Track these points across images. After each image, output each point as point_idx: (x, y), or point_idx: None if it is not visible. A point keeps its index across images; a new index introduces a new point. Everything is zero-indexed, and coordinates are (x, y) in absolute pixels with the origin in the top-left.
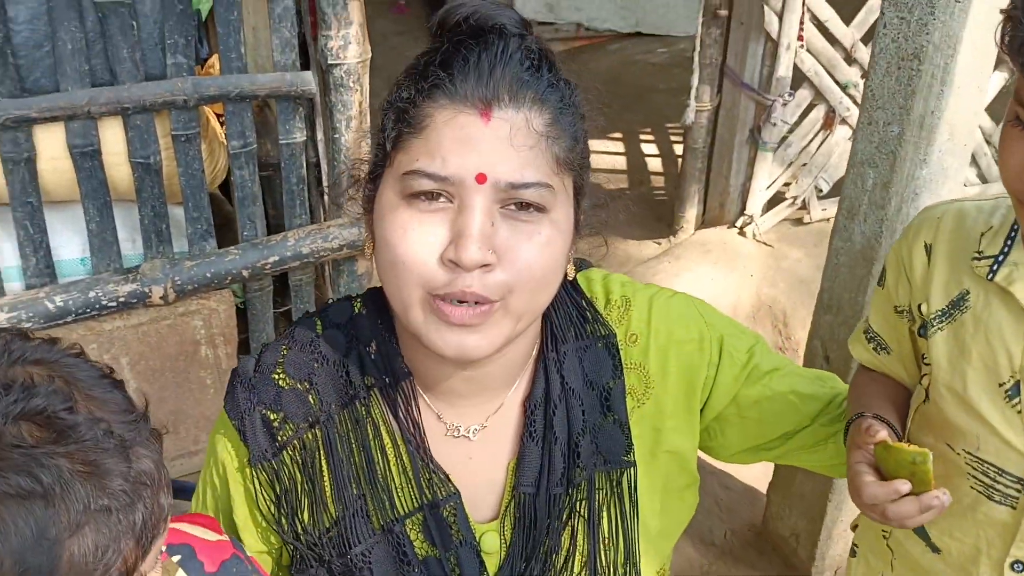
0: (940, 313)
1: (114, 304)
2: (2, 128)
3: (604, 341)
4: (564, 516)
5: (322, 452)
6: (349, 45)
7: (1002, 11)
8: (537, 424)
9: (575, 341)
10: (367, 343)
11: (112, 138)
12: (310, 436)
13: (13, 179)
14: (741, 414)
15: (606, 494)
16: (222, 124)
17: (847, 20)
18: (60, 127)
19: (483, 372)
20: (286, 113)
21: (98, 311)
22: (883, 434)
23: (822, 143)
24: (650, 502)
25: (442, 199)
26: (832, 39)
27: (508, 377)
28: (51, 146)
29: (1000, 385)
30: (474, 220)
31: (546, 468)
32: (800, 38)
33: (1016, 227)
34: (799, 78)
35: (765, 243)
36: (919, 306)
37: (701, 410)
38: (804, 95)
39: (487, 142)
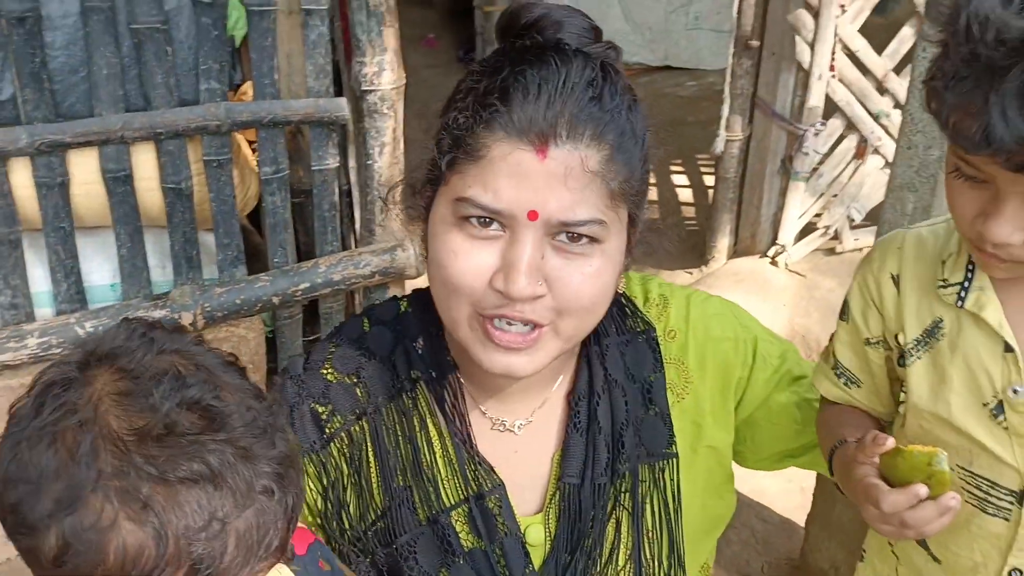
0: (916, 342)
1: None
2: (37, 153)
3: (644, 336)
4: (608, 507)
5: (369, 444)
6: (384, 72)
7: (923, 82)
8: (581, 415)
9: (616, 336)
10: (414, 339)
11: (144, 163)
12: (357, 429)
13: (46, 204)
14: (771, 418)
15: (649, 486)
16: (253, 151)
17: (879, 50)
18: (94, 152)
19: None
20: (319, 139)
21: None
22: (892, 441)
23: (854, 173)
24: (692, 496)
25: (494, 226)
26: (864, 69)
27: (553, 374)
28: (84, 171)
29: (984, 405)
30: (524, 254)
31: (591, 459)
32: (832, 68)
33: None
34: (831, 108)
35: (797, 273)
36: (896, 336)
37: (735, 409)
38: (836, 125)
39: (541, 179)
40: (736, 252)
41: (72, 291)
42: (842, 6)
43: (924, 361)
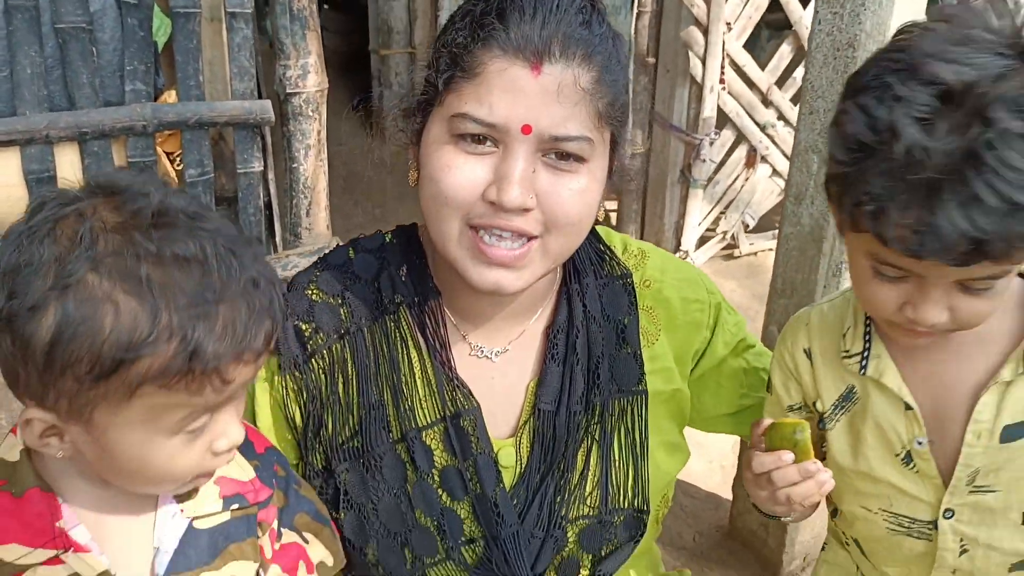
0: (834, 407)
1: None
2: None
3: (622, 280)
4: (580, 435)
5: (350, 362)
6: (308, 74)
7: (853, 206)
8: (559, 347)
9: (595, 278)
10: (398, 267)
11: (68, 164)
12: (338, 347)
13: None
14: (720, 380)
15: (618, 420)
16: (172, 163)
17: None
18: (15, 152)
19: (510, 298)
20: (244, 142)
21: None
22: (767, 421)
23: (746, 180)
24: (656, 433)
25: (488, 143)
26: (750, 83)
27: (532, 305)
28: (5, 173)
29: (896, 456)
30: (517, 166)
31: (567, 388)
32: (722, 81)
33: (869, 320)
34: (722, 120)
35: None
36: (814, 403)
37: (692, 368)
38: (728, 135)
39: (535, 95)
40: None
41: None
42: (728, 23)
43: (842, 423)
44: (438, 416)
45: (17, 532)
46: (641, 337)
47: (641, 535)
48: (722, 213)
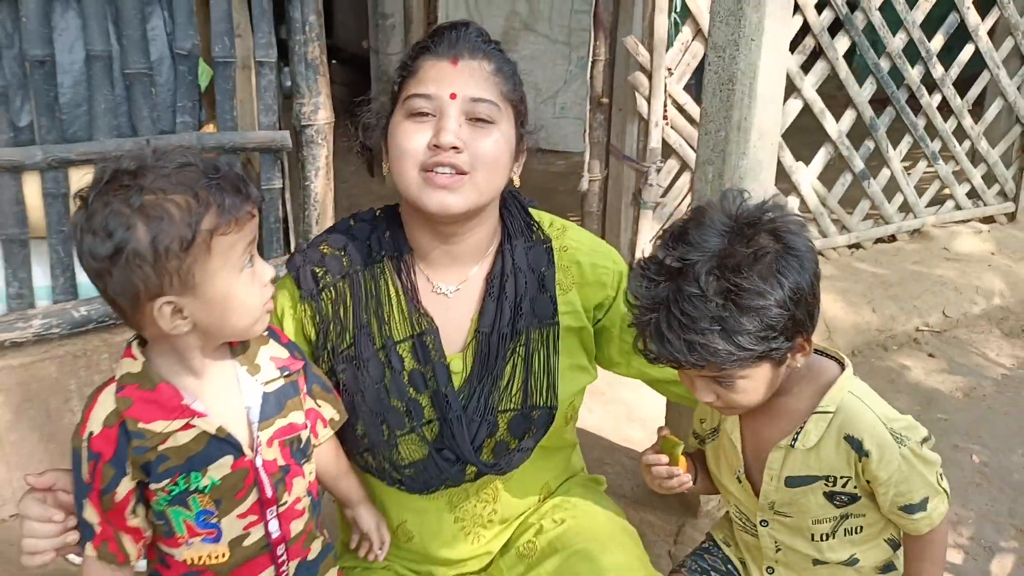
0: (709, 434)
1: None
2: (47, 168)
3: (544, 244)
4: (508, 352)
5: (348, 295)
6: (319, 110)
7: (629, 325)
8: (495, 288)
9: (523, 242)
10: (383, 231)
11: None
12: (341, 285)
13: (51, 211)
14: (621, 336)
15: (537, 343)
16: None
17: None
18: (91, 170)
19: (458, 248)
20: (267, 164)
21: (115, 321)
22: (665, 431)
23: (690, 205)
24: (566, 355)
25: (428, 117)
26: (690, 119)
27: (474, 255)
28: (85, 183)
29: (735, 475)
30: (449, 119)
31: (499, 317)
32: (665, 117)
33: None
34: (668, 150)
35: None
36: (704, 426)
37: (599, 319)
38: (672, 164)
39: (456, 76)
40: None
41: (67, 285)
42: (669, 69)
43: (710, 446)
44: (409, 334)
45: (157, 413)
46: (557, 287)
47: (551, 423)
48: None
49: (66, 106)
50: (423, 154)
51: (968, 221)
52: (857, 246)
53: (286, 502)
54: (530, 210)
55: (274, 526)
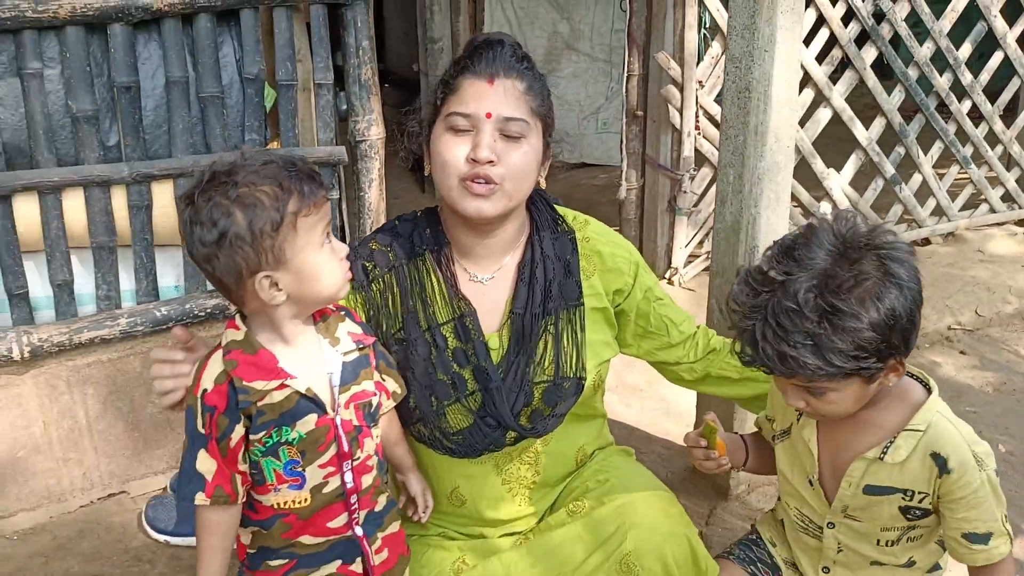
0: (779, 434)
1: (203, 314)
2: (132, 182)
3: (569, 235)
4: (540, 331)
5: (395, 285)
6: (372, 127)
7: (729, 327)
8: (526, 274)
9: (550, 233)
10: (424, 228)
11: None
12: (388, 276)
13: (135, 221)
14: (635, 320)
15: (565, 322)
16: None
17: None
18: (170, 183)
19: (492, 241)
20: (326, 177)
21: (192, 319)
22: (710, 415)
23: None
24: (592, 332)
25: (467, 130)
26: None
27: (507, 247)
28: (162, 198)
29: (807, 478)
30: (485, 136)
31: (530, 299)
32: (697, 127)
33: None
34: (700, 159)
35: (689, 289)
36: (774, 424)
37: (619, 303)
38: (705, 172)
39: (492, 96)
40: None
41: (149, 288)
42: (700, 82)
43: (781, 446)
44: (450, 317)
45: (257, 374)
46: (580, 272)
47: (580, 392)
48: (704, 236)
49: (149, 127)
50: (462, 166)
51: (1003, 224)
52: None
53: (359, 457)
54: (555, 206)
55: (349, 477)
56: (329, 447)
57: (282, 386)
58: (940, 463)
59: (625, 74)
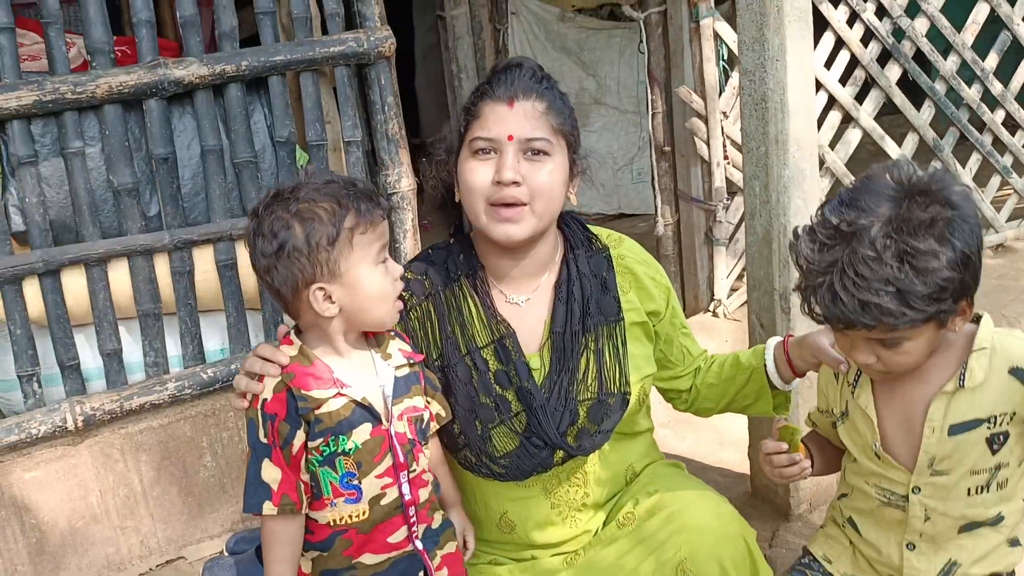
0: (840, 416)
1: None
2: (173, 249)
3: (604, 253)
4: (581, 348)
5: (433, 312)
6: (402, 179)
7: (794, 289)
8: (563, 292)
9: (585, 252)
10: (457, 255)
11: (243, 254)
12: (425, 304)
13: (179, 287)
14: (660, 347)
15: (606, 338)
16: None
17: None
18: (210, 248)
19: (526, 262)
20: None
21: None
22: (783, 421)
23: (742, 221)
24: (633, 346)
25: (491, 154)
26: None
27: (541, 268)
28: (203, 262)
29: (871, 450)
30: (508, 158)
31: (570, 318)
32: (726, 157)
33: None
34: (733, 187)
35: (734, 319)
36: (831, 409)
37: (653, 325)
38: (739, 200)
39: (512, 118)
40: (687, 311)
41: (195, 352)
42: (724, 113)
43: (842, 427)
44: (489, 340)
45: (314, 383)
46: (618, 288)
47: (625, 408)
48: (745, 265)
49: (187, 195)
50: (488, 190)
51: None
52: None
53: (415, 470)
54: (587, 226)
55: (406, 488)
56: (384, 458)
57: (339, 395)
58: (1022, 376)
59: (650, 112)
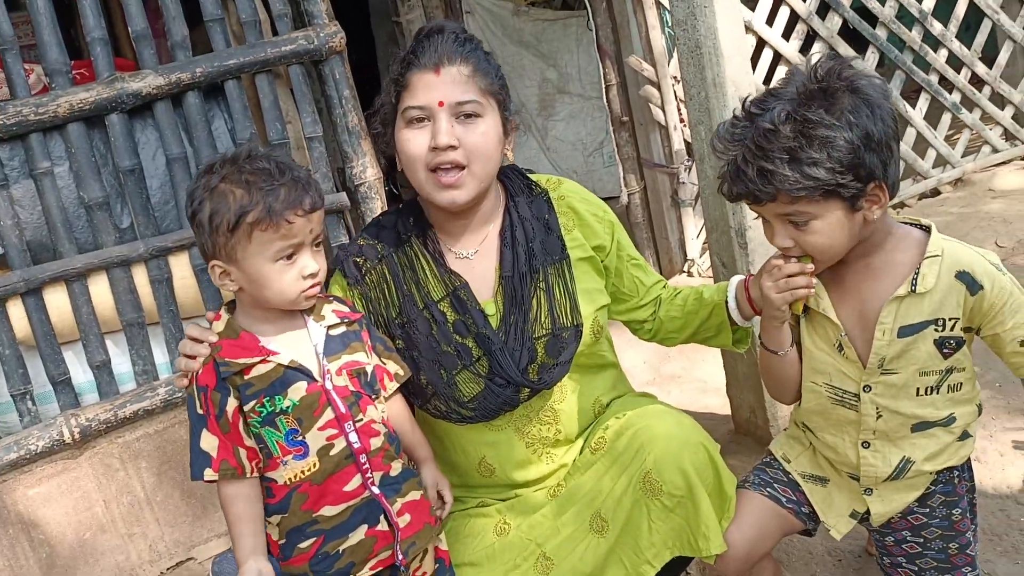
0: (795, 325)
1: None
2: (149, 258)
3: (543, 196)
4: (531, 288)
5: (388, 274)
6: (367, 169)
7: (718, 177)
8: (508, 239)
9: (524, 198)
10: (407, 218)
11: None
12: (380, 267)
13: (158, 294)
14: (612, 280)
15: (554, 277)
16: None
17: None
18: (185, 255)
19: (470, 219)
20: (332, 224)
21: None
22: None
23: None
24: (581, 281)
25: (425, 121)
26: None
27: (486, 220)
28: (180, 269)
29: (833, 345)
30: (442, 124)
31: (517, 261)
32: (681, 120)
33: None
34: (692, 149)
35: (709, 276)
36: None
37: (601, 260)
38: None
39: (440, 84)
40: (664, 274)
41: None
42: (675, 77)
43: (804, 322)
44: (444, 293)
45: (240, 352)
46: (560, 228)
47: (579, 339)
48: None
49: (157, 204)
50: (426, 156)
51: (1009, 162)
52: (902, 205)
53: (361, 419)
54: (527, 174)
55: (354, 438)
56: (324, 411)
57: (265, 361)
58: (968, 281)
59: (603, 85)
